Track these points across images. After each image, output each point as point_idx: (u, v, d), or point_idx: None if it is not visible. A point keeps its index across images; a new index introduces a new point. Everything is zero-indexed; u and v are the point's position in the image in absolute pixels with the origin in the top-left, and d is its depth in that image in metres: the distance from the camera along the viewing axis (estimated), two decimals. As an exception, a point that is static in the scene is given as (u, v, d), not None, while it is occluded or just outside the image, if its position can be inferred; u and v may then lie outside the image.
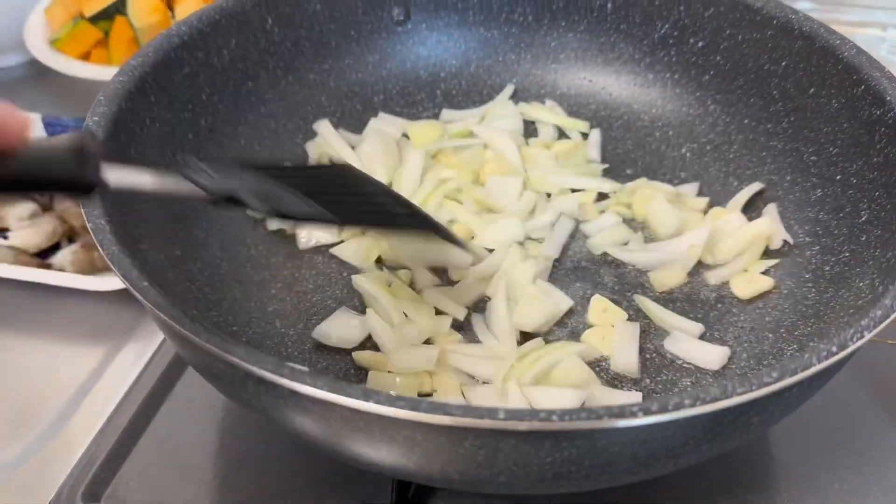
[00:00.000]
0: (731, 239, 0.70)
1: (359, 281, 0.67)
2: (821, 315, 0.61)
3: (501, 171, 0.78)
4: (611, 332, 0.64)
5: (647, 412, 0.38)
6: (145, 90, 0.65)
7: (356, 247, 0.71)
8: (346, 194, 0.55)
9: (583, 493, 0.51)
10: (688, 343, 0.64)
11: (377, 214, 0.56)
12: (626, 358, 0.63)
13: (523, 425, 0.38)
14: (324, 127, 0.80)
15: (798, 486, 0.62)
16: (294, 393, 0.40)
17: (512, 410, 0.38)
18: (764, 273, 0.68)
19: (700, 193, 0.76)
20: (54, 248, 0.80)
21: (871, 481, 0.63)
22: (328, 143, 0.79)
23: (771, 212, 0.71)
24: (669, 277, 0.69)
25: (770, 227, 0.69)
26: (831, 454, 0.64)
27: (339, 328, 0.64)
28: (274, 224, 0.72)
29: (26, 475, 0.64)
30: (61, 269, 0.78)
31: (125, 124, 0.62)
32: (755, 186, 0.73)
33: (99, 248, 0.48)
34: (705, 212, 0.74)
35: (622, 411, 0.38)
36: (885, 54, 1.10)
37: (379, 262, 0.71)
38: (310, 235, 0.72)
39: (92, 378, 0.72)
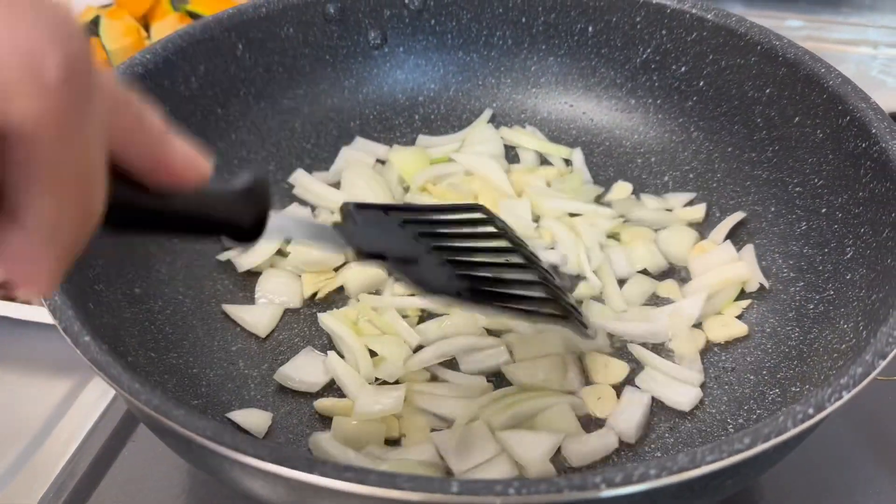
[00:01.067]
0: (706, 277, 0.67)
1: (324, 319, 0.65)
2: (804, 357, 0.59)
3: (495, 199, 0.75)
4: (609, 392, 0.61)
5: (610, 484, 0.36)
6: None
7: (286, 282, 0.68)
8: (479, 253, 0.53)
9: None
10: (660, 382, 0.61)
11: (507, 296, 0.52)
12: (626, 423, 0.59)
13: (477, 500, 0.36)
14: (300, 176, 0.77)
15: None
16: (236, 461, 0.38)
17: (466, 483, 0.36)
18: (741, 315, 0.66)
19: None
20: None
21: (859, 526, 0.60)
22: (309, 191, 0.76)
23: (748, 254, 0.69)
24: (685, 347, 0.64)
25: (745, 271, 0.67)
26: (820, 497, 0.62)
27: (302, 371, 0.61)
28: (240, 260, 0.70)
29: (-12, 513, 0.63)
30: (27, 302, 0.76)
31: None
32: (737, 216, 0.71)
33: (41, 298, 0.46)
34: (703, 220, 0.73)
35: (584, 483, 0.36)
36: (876, 73, 1.08)
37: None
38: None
39: (57, 413, 0.70)
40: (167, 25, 0.97)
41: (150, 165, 0.32)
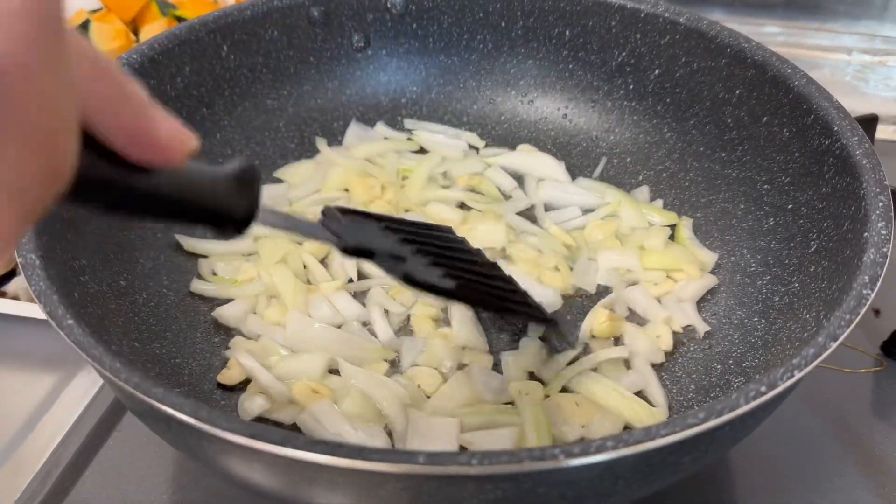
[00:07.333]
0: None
1: None
2: (768, 346, 0.61)
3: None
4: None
5: (568, 455, 0.38)
6: (92, 119, 0.64)
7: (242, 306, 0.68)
8: (459, 261, 0.55)
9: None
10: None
11: (488, 294, 0.56)
12: None
13: (442, 470, 0.37)
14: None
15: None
16: (213, 437, 0.39)
17: (432, 454, 0.38)
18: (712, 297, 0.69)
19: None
20: (8, 276, 0.80)
21: (825, 512, 0.62)
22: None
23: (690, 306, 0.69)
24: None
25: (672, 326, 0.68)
26: (787, 484, 0.64)
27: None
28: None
29: (-30, 506, 0.63)
30: (15, 297, 0.77)
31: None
32: (712, 281, 0.70)
33: (27, 283, 0.48)
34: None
35: (543, 454, 0.38)
36: (849, 78, 1.10)
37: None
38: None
39: (43, 406, 0.71)
40: (156, 30, 0.99)
41: (129, 137, 0.30)
